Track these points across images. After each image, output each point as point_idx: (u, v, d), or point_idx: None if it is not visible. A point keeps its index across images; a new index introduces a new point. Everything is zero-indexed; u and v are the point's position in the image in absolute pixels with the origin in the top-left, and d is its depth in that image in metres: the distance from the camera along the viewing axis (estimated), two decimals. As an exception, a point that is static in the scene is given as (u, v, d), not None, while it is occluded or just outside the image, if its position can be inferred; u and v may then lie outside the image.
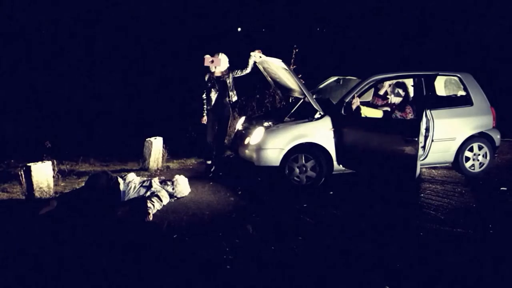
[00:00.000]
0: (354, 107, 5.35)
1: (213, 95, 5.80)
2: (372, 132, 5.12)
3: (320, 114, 5.35)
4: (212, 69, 5.79)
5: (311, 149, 5.33)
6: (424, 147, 5.59)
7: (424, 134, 5.51)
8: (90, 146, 7.54)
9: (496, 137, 5.95)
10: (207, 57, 5.70)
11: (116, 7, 12.39)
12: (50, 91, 10.94)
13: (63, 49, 11.94)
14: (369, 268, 3.31)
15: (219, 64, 5.72)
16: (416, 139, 4.69)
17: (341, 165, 5.36)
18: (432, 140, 5.60)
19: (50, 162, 5.07)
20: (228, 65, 5.83)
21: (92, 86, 11.54)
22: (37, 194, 4.83)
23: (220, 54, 5.75)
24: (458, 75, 5.94)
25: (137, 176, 5.04)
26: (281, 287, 3.05)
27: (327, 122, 5.32)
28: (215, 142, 5.99)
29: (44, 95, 10.80)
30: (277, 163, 5.26)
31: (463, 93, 5.99)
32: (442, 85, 6.38)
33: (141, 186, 4.79)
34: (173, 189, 4.89)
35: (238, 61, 5.93)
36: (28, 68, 11.22)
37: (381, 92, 6.02)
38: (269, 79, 6.29)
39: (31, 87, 10.93)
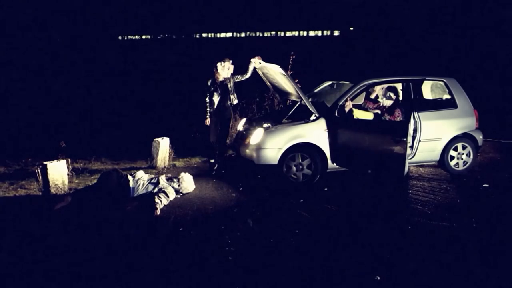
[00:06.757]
0: (347, 109, 5.37)
1: (216, 99, 5.82)
2: (364, 133, 5.14)
3: (315, 116, 5.38)
4: (224, 75, 5.78)
5: (307, 149, 5.35)
6: (412, 146, 5.61)
7: (412, 134, 5.54)
8: (102, 146, 7.55)
9: (479, 137, 5.97)
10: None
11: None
12: (65, 96, 10.95)
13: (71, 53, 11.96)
14: (360, 259, 3.33)
15: (229, 70, 5.76)
16: (404, 139, 4.71)
17: (335, 164, 5.38)
18: (420, 140, 5.62)
19: (64, 161, 5.09)
20: (232, 71, 5.86)
21: (104, 92, 11.56)
22: (52, 191, 4.85)
23: (229, 60, 5.78)
24: (444, 79, 5.96)
25: (146, 173, 5.05)
26: (279, 276, 3.06)
27: (322, 123, 5.34)
28: (218, 142, 6.01)
29: (60, 99, 10.81)
30: (276, 162, 5.28)
31: (448, 96, 6.01)
32: (428, 89, 6.40)
33: (149, 183, 4.81)
34: (179, 185, 4.91)
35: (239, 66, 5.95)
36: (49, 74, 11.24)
37: (372, 96, 6.05)
38: (268, 83, 6.30)
39: (48, 92, 10.95)
